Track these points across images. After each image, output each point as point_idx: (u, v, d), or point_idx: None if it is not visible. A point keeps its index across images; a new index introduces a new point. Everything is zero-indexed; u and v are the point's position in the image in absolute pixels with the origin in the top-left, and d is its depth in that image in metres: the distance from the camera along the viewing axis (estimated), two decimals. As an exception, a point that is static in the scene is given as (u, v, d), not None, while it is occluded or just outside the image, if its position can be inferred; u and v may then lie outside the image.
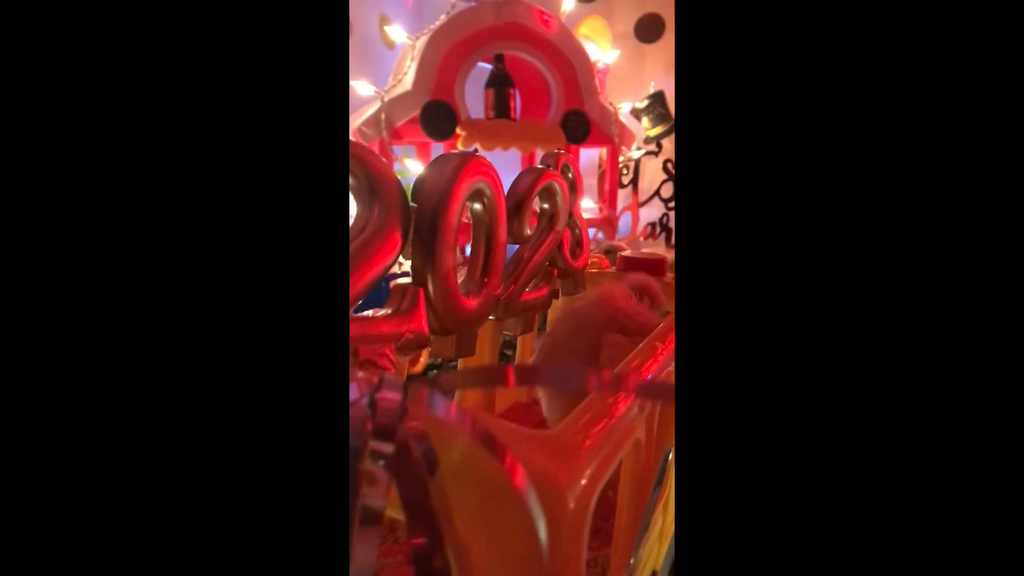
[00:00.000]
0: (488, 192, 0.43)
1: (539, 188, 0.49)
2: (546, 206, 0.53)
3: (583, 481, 0.24)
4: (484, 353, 0.56)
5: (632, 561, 0.34)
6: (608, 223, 1.60)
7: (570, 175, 0.58)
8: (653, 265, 0.63)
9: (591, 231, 1.59)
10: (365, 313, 0.36)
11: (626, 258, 0.64)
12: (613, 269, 0.66)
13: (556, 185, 0.52)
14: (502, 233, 0.44)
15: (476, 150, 0.42)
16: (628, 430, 0.30)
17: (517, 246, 0.51)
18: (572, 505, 0.23)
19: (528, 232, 0.49)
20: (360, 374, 0.24)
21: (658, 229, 1.76)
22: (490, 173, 0.42)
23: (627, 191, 1.74)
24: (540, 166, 0.52)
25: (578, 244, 0.61)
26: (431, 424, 0.23)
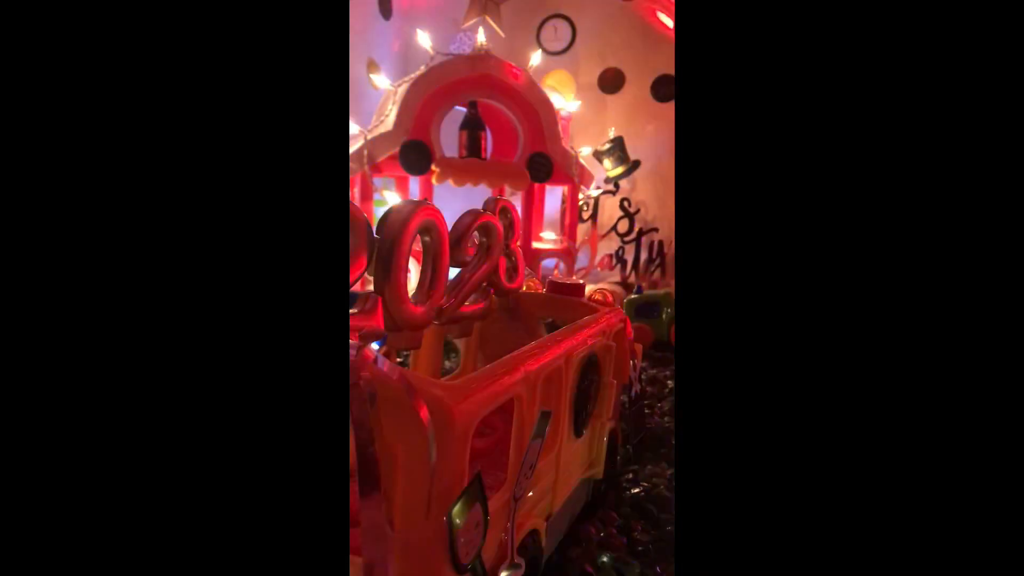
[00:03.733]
0: (434, 228, 0.59)
1: (477, 225, 0.65)
2: (484, 239, 0.69)
3: (468, 408, 0.40)
4: (430, 348, 0.72)
5: (516, 488, 0.49)
6: (568, 254, 1.77)
7: (508, 217, 0.74)
8: (574, 289, 0.80)
9: (553, 260, 1.76)
10: (339, 311, 0.51)
11: (552, 282, 0.81)
12: (544, 290, 0.82)
13: (492, 224, 0.68)
14: (445, 259, 0.60)
15: (426, 200, 0.58)
16: (508, 390, 0.45)
17: (459, 269, 0.66)
18: (457, 424, 0.39)
19: (467, 259, 0.65)
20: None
21: (614, 260, 1.94)
22: (436, 215, 0.58)
23: (587, 226, 1.92)
24: (480, 209, 0.68)
25: (513, 270, 0.77)
26: (375, 375, 0.38)
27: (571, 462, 0.63)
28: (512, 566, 0.48)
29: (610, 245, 1.98)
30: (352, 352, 0.39)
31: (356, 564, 0.41)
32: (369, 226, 0.52)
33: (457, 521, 0.39)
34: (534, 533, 0.54)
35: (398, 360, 0.82)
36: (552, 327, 0.75)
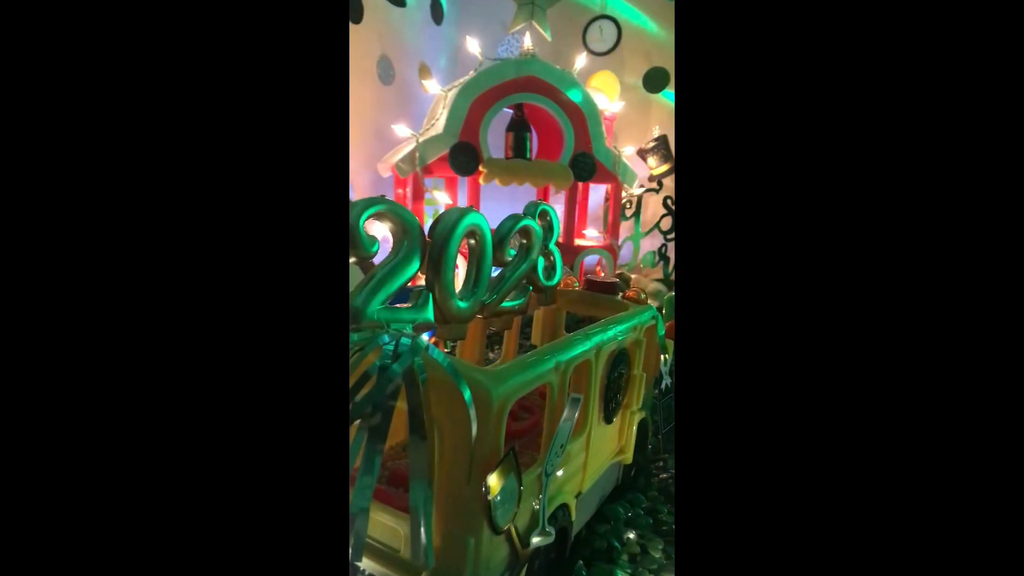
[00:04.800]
0: (479, 232, 0.65)
1: (517, 229, 0.71)
2: (524, 241, 0.75)
3: (504, 391, 0.46)
4: (475, 339, 0.79)
5: (548, 464, 0.55)
6: (610, 251, 1.81)
7: (547, 219, 0.80)
8: (608, 287, 0.85)
9: (596, 256, 1.81)
10: (396, 305, 0.58)
11: (588, 280, 0.86)
12: (577, 287, 0.88)
13: (531, 228, 0.74)
14: (488, 259, 0.67)
15: (472, 208, 0.64)
16: (541, 377, 0.51)
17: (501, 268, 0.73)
18: (495, 404, 0.45)
19: (508, 259, 0.72)
20: (389, 333, 0.47)
21: (657, 258, 1.96)
22: (480, 220, 0.64)
23: (630, 223, 1.96)
24: (520, 214, 0.74)
25: (552, 268, 0.83)
26: (426, 360, 0.45)
27: (601, 446, 0.68)
28: (543, 533, 0.54)
29: (652, 243, 2.01)
30: (407, 340, 0.47)
31: (399, 520, 0.48)
32: (422, 230, 0.59)
33: (494, 488, 0.46)
34: (564, 507, 0.60)
35: (446, 350, 0.90)
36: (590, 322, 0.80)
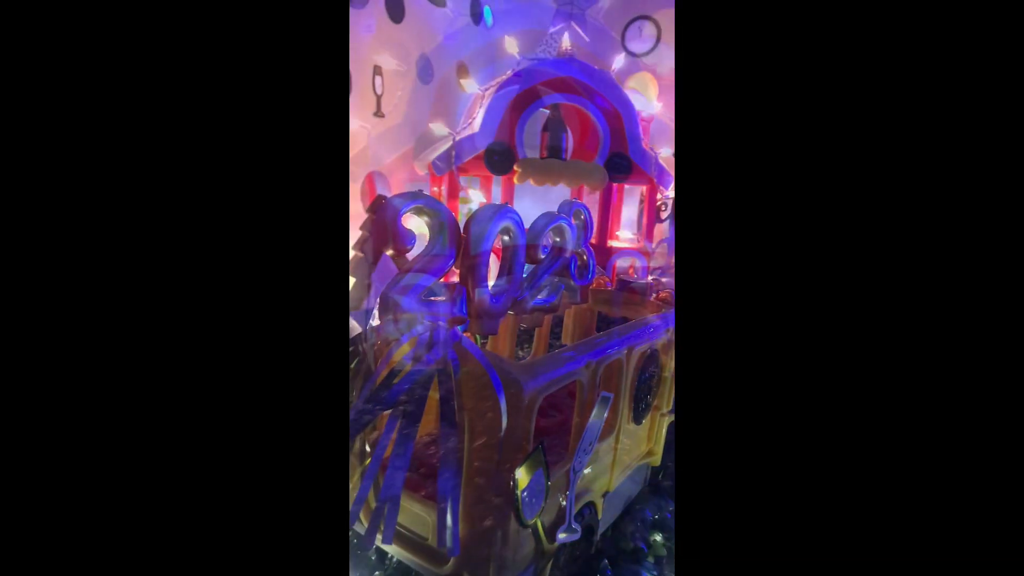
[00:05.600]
0: (513, 229, 0.66)
1: (551, 227, 0.72)
2: (557, 239, 0.75)
3: (535, 384, 0.47)
4: (506, 335, 0.80)
5: (576, 461, 0.55)
6: (643, 253, 1.80)
7: (581, 218, 0.80)
8: (641, 288, 0.84)
9: (630, 258, 1.79)
10: (432, 298, 0.59)
11: (621, 280, 0.86)
12: (609, 287, 0.88)
13: (565, 226, 0.74)
14: (521, 257, 0.67)
15: (507, 204, 0.65)
16: (571, 374, 0.52)
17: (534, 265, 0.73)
18: (526, 396, 0.46)
19: (541, 257, 0.72)
20: (423, 324, 0.48)
21: (691, 261, 1.94)
22: (515, 218, 0.65)
23: (665, 225, 1.94)
24: (554, 212, 0.74)
25: (585, 268, 0.83)
26: (460, 351, 0.46)
27: (630, 447, 0.68)
28: (569, 530, 0.54)
29: (688, 246, 1.99)
30: (442, 331, 0.48)
31: (428, 508, 0.49)
32: (458, 225, 0.60)
33: (522, 482, 0.46)
34: (591, 505, 0.60)
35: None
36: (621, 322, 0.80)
